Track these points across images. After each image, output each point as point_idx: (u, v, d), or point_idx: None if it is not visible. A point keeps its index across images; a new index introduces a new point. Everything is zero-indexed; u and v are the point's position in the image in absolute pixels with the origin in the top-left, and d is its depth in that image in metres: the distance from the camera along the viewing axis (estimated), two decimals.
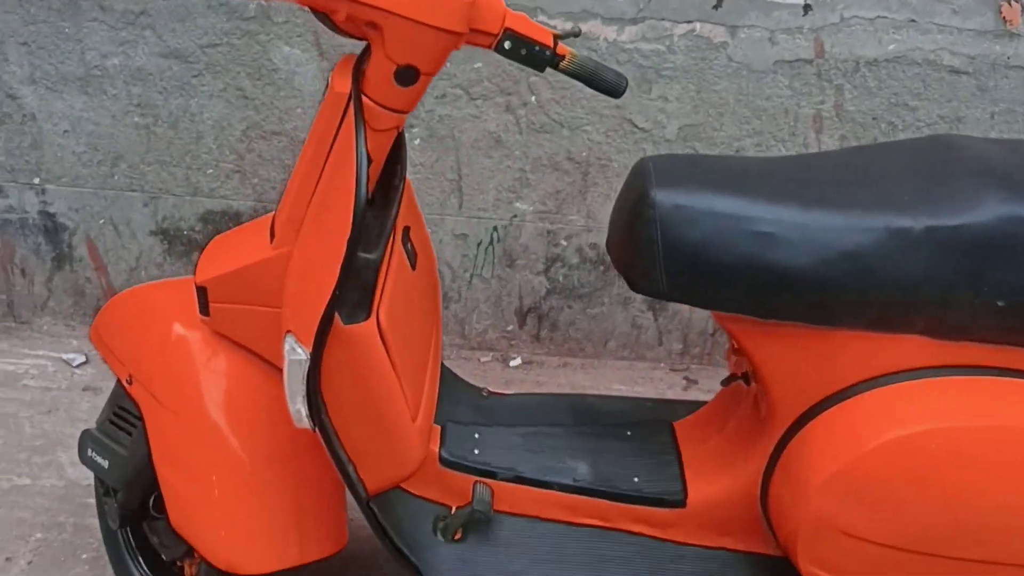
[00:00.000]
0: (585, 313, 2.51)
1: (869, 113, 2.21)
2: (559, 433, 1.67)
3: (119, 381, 1.57)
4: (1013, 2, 2.10)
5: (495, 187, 2.35)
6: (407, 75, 1.25)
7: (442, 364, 1.73)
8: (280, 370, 1.41)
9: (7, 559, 1.89)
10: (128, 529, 1.66)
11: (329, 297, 1.22)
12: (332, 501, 1.51)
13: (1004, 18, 2.12)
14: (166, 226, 2.44)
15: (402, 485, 1.50)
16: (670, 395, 2.53)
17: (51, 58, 2.25)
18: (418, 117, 2.27)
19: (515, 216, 2.39)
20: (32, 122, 2.32)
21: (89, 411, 2.31)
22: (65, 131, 2.33)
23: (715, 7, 2.12)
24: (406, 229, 1.56)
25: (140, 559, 1.66)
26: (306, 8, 1.28)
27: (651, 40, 2.16)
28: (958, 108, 2.19)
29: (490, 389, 1.79)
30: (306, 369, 1.26)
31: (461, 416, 1.67)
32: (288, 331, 1.29)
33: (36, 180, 2.39)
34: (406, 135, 2.32)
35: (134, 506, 1.58)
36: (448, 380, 1.73)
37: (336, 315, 1.27)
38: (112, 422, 1.59)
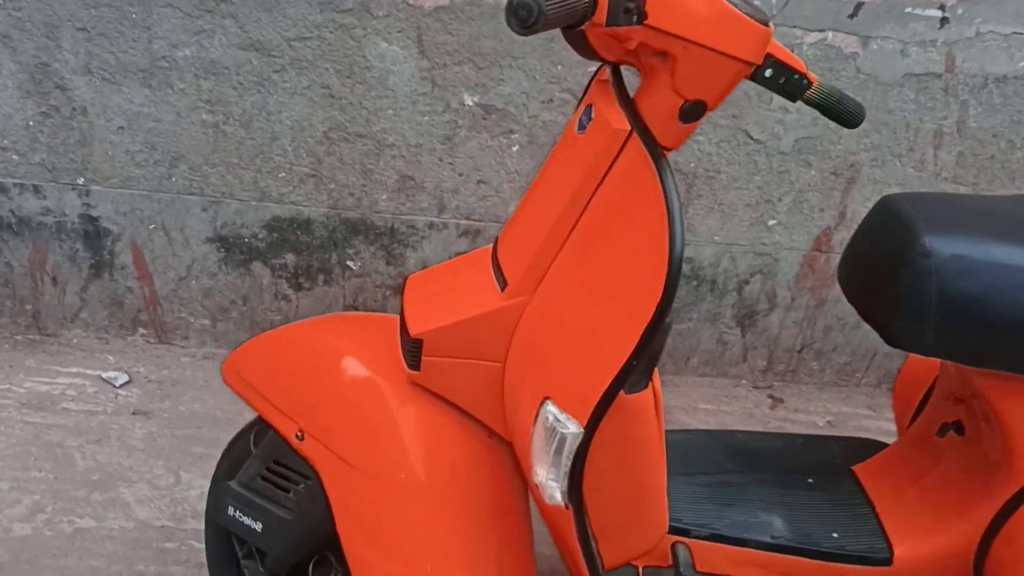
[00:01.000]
0: (672, 329, 2.42)
1: (990, 130, 2.17)
2: (742, 483, 1.59)
3: (277, 434, 1.41)
4: None
5: None
6: (694, 111, 1.13)
7: None
8: (486, 428, 1.30)
9: None
10: None
11: (622, 367, 1.09)
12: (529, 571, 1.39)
13: None
14: (225, 233, 2.24)
15: None
16: (758, 414, 2.47)
17: (112, 46, 2.02)
18: (520, 123, 2.13)
19: None
20: (82, 116, 2.09)
21: (145, 439, 2.12)
22: (120, 127, 2.11)
23: (851, 16, 2.04)
24: None
25: None
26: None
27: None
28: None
29: None
30: (577, 444, 1.13)
31: None
32: (547, 398, 1.16)
33: (80, 180, 2.17)
34: (504, 141, 2.22)
35: (285, 572, 1.43)
36: None
37: None
38: (267, 479, 1.43)
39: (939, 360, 1.52)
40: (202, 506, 1.90)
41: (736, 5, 1.10)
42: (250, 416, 1.55)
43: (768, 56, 1.18)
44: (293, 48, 2.04)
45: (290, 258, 2.28)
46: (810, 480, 1.61)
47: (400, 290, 1.38)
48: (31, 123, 2.10)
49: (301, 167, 2.17)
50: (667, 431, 1.88)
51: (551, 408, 1.14)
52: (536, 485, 1.20)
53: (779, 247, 2.30)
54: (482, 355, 1.28)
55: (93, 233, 2.23)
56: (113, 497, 1.97)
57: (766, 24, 1.12)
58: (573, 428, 1.12)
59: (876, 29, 2.06)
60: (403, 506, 1.29)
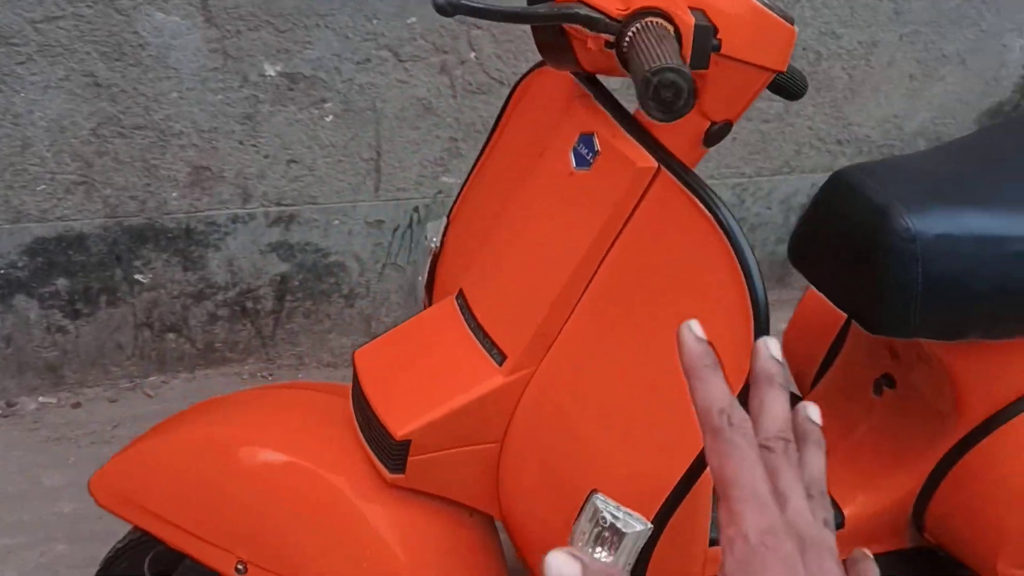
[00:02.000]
0: None
1: (800, 44, 2.19)
2: None
3: (198, 565, 1.14)
4: None
5: (420, 162, 2.01)
6: (720, 133, 0.99)
7: None
8: (483, 514, 1.13)
9: None
10: None
11: (700, 452, 0.95)
12: None
13: None
14: None
15: None
16: None
17: None
18: (333, 90, 1.85)
19: (440, 192, 2.07)
20: None
21: None
22: None
23: None
24: None
25: None
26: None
27: None
28: (875, 33, 2.24)
29: None
30: (643, 541, 0.98)
31: None
32: (595, 490, 1.00)
33: None
34: (315, 113, 1.90)
35: None
36: None
37: None
38: None
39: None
40: None
41: (766, 4, 0.95)
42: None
43: None
44: (40, 32, 1.60)
45: (62, 283, 1.87)
46: None
47: (352, 370, 1.13)
48: None
49: (66, 175, 1.75)
50: None
51: (605, 503, 0.99)
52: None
53: None
54: (477, 439, 1.08)
55: None
56: None
57: (792, 22, 0.98)
58: (638, 525, 0.97)
59: None
60: None
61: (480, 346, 1.07)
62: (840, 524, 1.48)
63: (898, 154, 2.48)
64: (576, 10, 0.88)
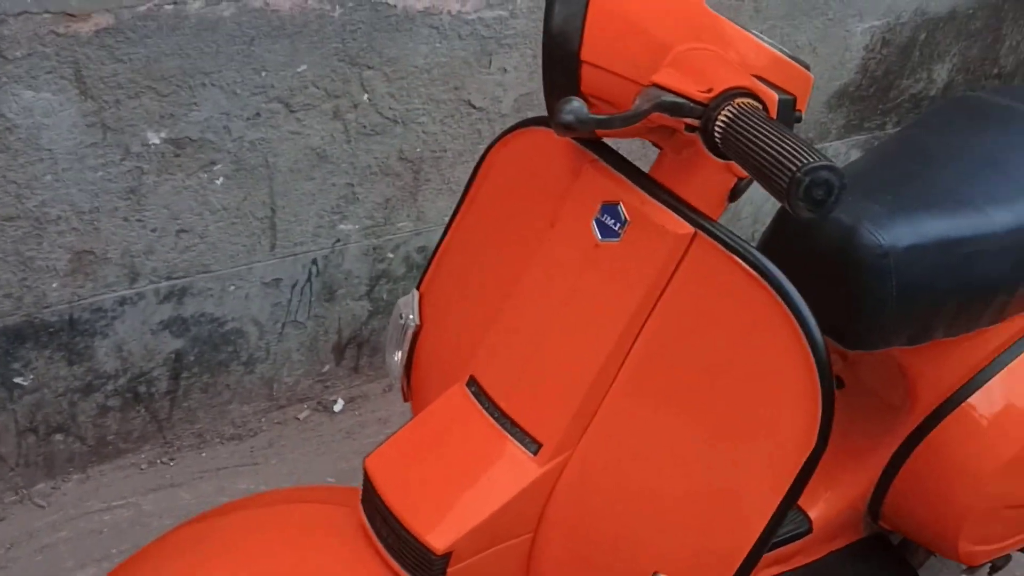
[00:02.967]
0: None
1: None
2: None
3: None
4: None
5: (316, 213, 1.91)
6: (744, 187, 0.99)
7: None
8: None
9: None
10: None
11: (769, 520, 0.94)
12: None
13: None
14: None
15: None
16: None
17: None
18: (223, 150, 1.71)
19: (338, 241, 1.98)
20: None
21: None
22: None
23: None
24: None
25: None
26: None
27: (494, 7, 1.88)
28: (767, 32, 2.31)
29: None
30: None
31: None
32: (656, 572, 0.97)
33: None
34: (204, 177, 1.74)
35: None
36: None
37: None
38: None
39: None
40: None
41: (779, 49, 0.96)
42: None
43: None
44: None
45: None
46: None
47: (363, 480, 1.05)
48: None
49: None
50: None
51: None
52: None
53: None
54: (512, 534, 1.04)
55: None
56: None
57: (808, 68, 0.99)
58: None
59: None
60: None
61: (508, 436, 1.02)
62: (808, 530, 1.54)
63: None
64: (663, 99, 0.85)
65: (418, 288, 1.23)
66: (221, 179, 1.75)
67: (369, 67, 1.79)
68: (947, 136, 1.48)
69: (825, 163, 0.76)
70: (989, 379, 1.47)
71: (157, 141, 1.64)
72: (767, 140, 0.78)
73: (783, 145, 0.78)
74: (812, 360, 0.89)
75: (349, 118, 1.83)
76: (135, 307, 1.79)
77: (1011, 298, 1.37)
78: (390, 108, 1.87)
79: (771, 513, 0.95)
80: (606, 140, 1.03)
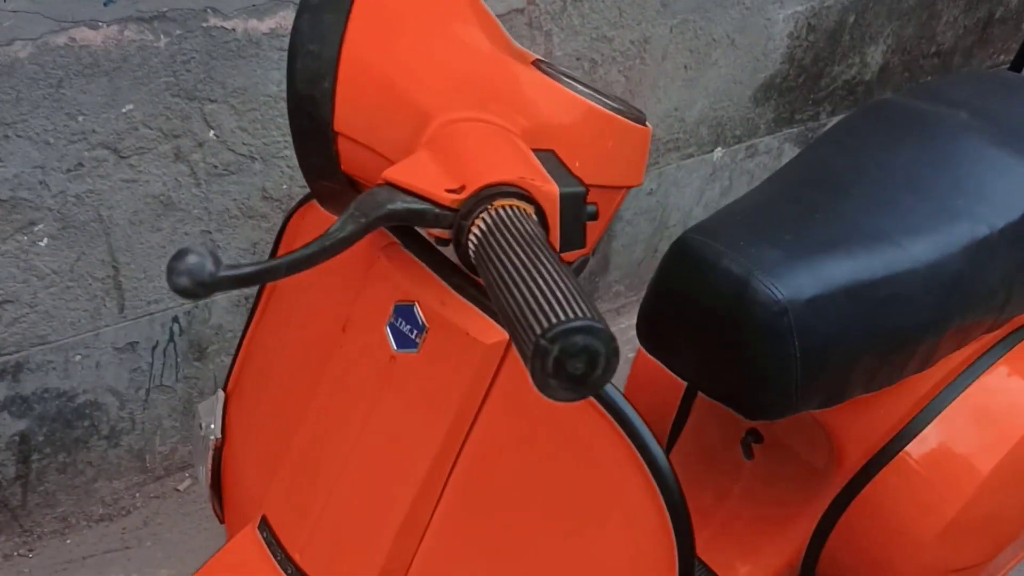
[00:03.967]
0: None
1: (574, 54, 2.03)
2: None
3: None
4: None
5: None
6: (578, 270, 0.79)
7: None
8: None
9: None
10: None
11: None
12: None
13: None
14: None
15: None
16: None
17: None
18: (42, 208, 1.49)
19: None
20: None
21: None
22: None
23: None
24: None
25: None
26: None
27: None
28: (646, 29, 2.12)
29: None
30: None
31: None
32: None
33: None
34: (23, 240, 1.52)
35: None
36: None
37: None
38: None
39: None
40: None
41: (602, 99, 0.76)
42: None
43: None
44: None
45: None
46: None
47: None
48: None
49: None
50: None
51: None
52: None
53: None
54: None
55: None
56: None
57: (645, 121, 0.80)
58: None
59: None
60: None
61: None
62: None
63: (685, 149, 2.40)
64: (391, 206, 0.64)
65: (224, 389, 1.03)
66: (45, 240, 1.53)
67: (211, 100, 1.57)
68: (858, 155, 1.29)
69: (581, 321, 0.53)
70: (923, 427, 1.30)
71: None
72: (517, 273, 0.57)
73: (535, 285, 0.55)
74: (642, 461, 0.71)
75: (195, 159, 1.62)
76: None
77: (939, 340, 1.19)
78: (244, 144, 1.66)
79: None
80: None
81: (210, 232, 1.71)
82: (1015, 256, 1.23)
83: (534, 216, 0.64)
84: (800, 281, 1.07)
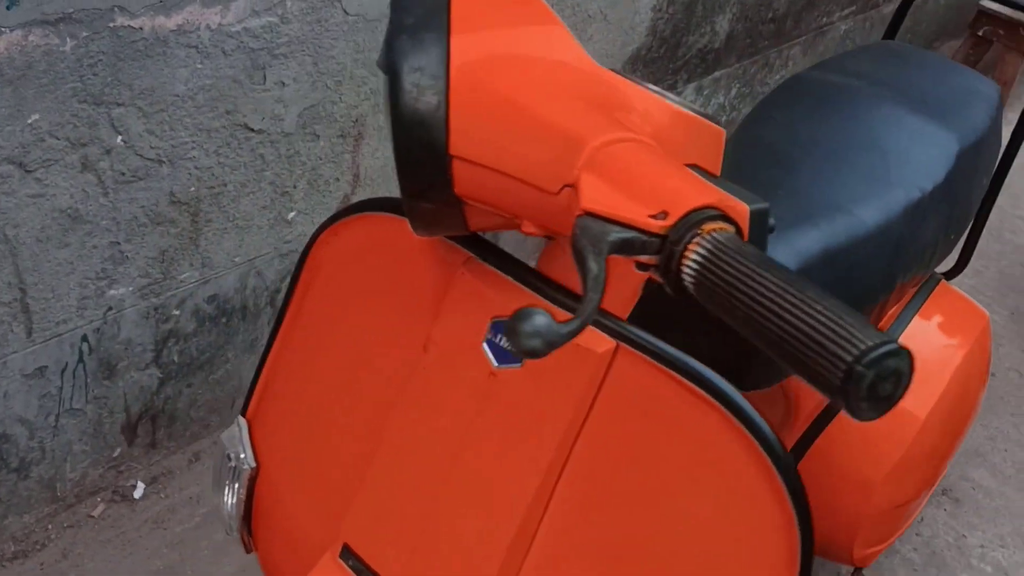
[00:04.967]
0: (208, 382, 1.95)
1: None
2: None
3: None
4: None
5: (79, 283, 1.60)
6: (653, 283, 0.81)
7: None
8: None
9: None
10: None
11: None
12: None
13: None
14: None
15: None
16: None
17: None
18: None
19: (110, 309, 1.67)
20: None
21: None
22: None
23: None
24: None
25: None
26: None
27: (261, 13, 1.61)
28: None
29: None
30: None
31: None
32: None
33: None
34: None
35: None
36: None
37: None
38: None
39: None
40: None
41: (682, 103, 0.78)
42: None
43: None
44: None
45: None
46: None
47: None
48: None
49: None
50: None
51: None
52: None
53: (303, 237, 1.95)
54: None
55: None
56: None
57: (720, 123, 0.82)
58: None
59: None
60: None
61: None
62: None
63: None
64: (611, 237, 0.63)
65: (244, 415, 1.00)
66: None
67: (119, 104, 1.49)
68: (793, 129, 1.37)
69: (889, 346, 0.56)
70: None
71: None
72: (782, 299, 0.58)
73: (814, 311, 0.57)
74: (780, 483, 0.74)
75: (102, 167, 1.53)
76: None
77: (888, 299, 1.30)
78: (151, 147, 1.58)
79: None
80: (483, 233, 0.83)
81: (119, 243, 1.62)
82: (941, 215, 1.35)
83: (734, 233, 0.64)
84: (782, 258, 1.14)
